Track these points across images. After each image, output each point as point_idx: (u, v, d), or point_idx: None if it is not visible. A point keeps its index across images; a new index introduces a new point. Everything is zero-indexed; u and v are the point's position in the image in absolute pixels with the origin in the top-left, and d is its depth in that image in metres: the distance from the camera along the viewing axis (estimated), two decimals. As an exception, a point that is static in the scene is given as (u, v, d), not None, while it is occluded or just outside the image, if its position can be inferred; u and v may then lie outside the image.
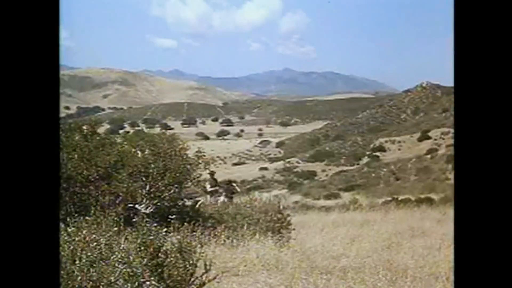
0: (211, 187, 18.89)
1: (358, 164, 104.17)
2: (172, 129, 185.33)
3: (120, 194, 11.33)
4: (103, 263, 6.29)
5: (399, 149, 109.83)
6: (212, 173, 17.83)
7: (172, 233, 8.87)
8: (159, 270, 6.90)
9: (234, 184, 21.29)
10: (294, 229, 14.61)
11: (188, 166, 13.04)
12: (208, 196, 19.41)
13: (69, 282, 5.77)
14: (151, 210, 11.88)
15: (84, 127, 12.79)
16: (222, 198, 19.52)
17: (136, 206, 11.88)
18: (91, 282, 5.96)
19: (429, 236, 15.44)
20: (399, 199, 35.84)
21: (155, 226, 7.92)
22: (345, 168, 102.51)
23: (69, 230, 6.72)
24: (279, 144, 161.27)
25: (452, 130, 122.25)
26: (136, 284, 6.59)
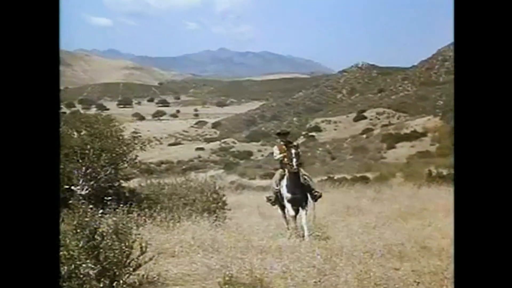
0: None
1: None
2: (108, 109, 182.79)
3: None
4: (38, 246, 6.21)
5: (335, 129, 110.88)
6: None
7: (108, 215, 8.81)
8: (95, 252, 6.86)
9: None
10: (230, 209, 14.67)
11: (124, 147, 12.94)
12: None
13: (3, 265, 5.69)
14: (87, 191, 11.76)
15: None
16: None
17: (72, 187, 11.74)
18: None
19: (364, 215, 15.71)
20: (335, 178, 36.31)
21: (91, 208, 7.86)
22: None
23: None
24: (215, 125, 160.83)
25: (387, 110, 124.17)
26: (73, 266, 6.54)
